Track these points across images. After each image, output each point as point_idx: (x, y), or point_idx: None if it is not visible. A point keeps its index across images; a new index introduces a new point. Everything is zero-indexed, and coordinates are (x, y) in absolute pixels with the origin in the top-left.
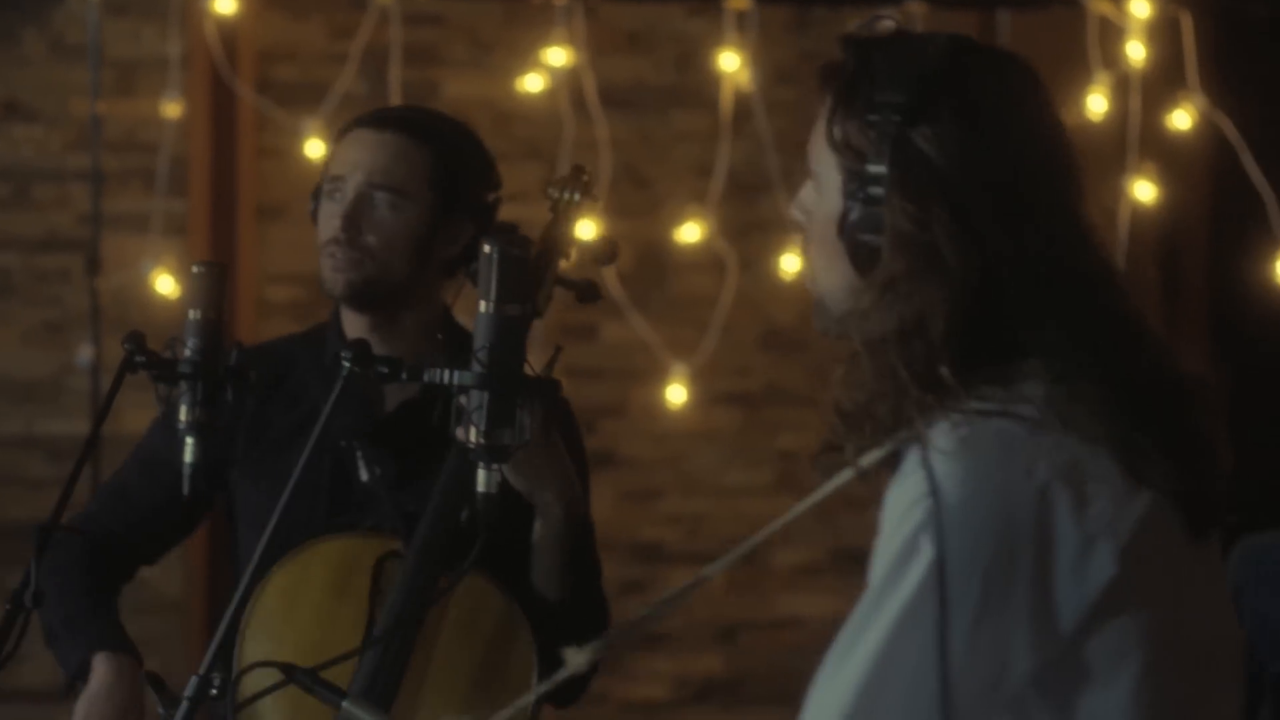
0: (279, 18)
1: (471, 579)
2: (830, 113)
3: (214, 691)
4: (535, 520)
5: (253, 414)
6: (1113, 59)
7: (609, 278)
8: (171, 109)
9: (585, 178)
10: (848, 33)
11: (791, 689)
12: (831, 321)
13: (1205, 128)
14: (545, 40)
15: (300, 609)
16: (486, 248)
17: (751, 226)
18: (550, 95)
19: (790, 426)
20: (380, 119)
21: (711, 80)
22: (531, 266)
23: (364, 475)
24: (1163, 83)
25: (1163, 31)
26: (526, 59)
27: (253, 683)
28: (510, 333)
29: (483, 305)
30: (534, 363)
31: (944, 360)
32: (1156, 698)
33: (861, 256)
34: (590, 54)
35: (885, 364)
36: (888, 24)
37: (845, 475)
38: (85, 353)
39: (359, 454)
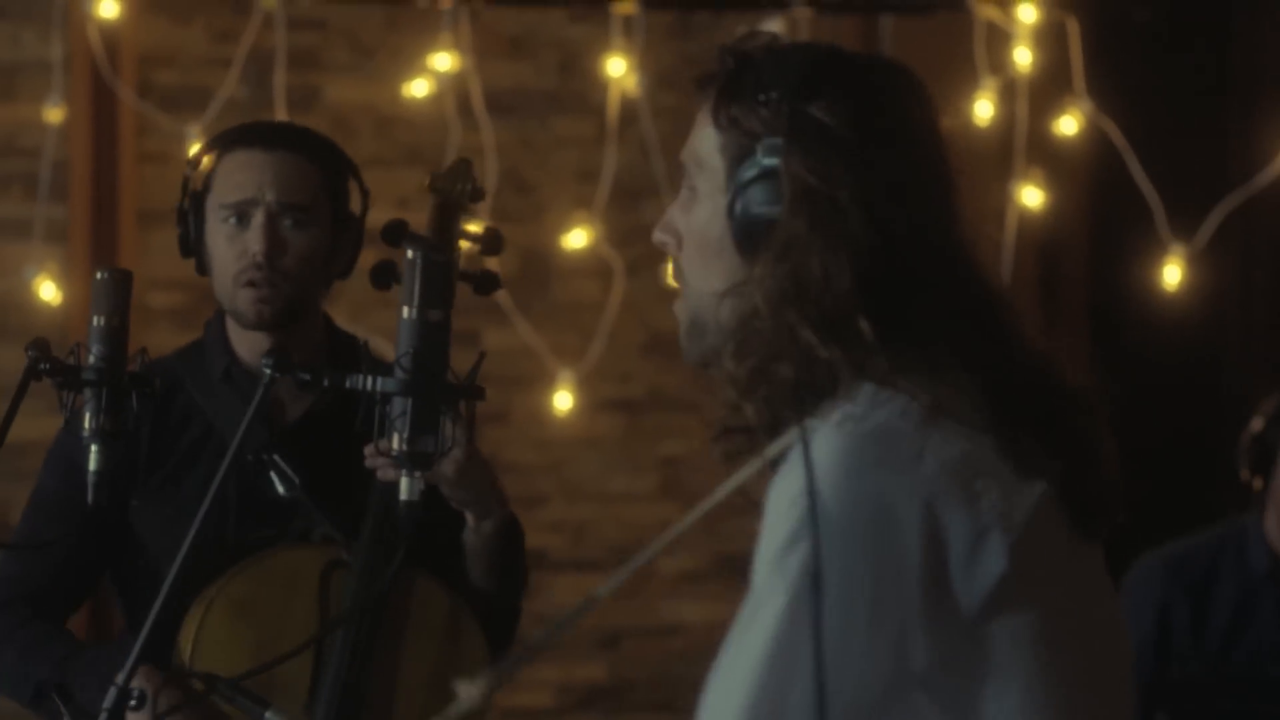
0: (161, 21)
1: (421, 583)
2: (715, 104)
3: (133, 703)
4: (466, 526)
5: (147, 441)
6: (999, 64)
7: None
8: (53, 114)
9: (471, 170)
10: (724, 44)
11: (675, 696)
12: (705, 334)
13: (1091, 132)
14: (428, 45)
15: (249, 624)
16: (410, 253)
17: (635, 232)
18: (435, 100)
19: (674, 433)
20: (266, 138)
21: (594, 85)
22: (454, 271)
23: (280, 487)
24: (1049, 88)
25: (1049, 37)
26: (409, 64)
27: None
28: (433, 338)
29: (405, 311)
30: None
31: (859, 312)
32: (1051, 698)
33: (753, 235)
34: (475, 59)
35: (784, 325)
36: (764, 37)
37: (751, 467)
38: None
39: (270, 467)
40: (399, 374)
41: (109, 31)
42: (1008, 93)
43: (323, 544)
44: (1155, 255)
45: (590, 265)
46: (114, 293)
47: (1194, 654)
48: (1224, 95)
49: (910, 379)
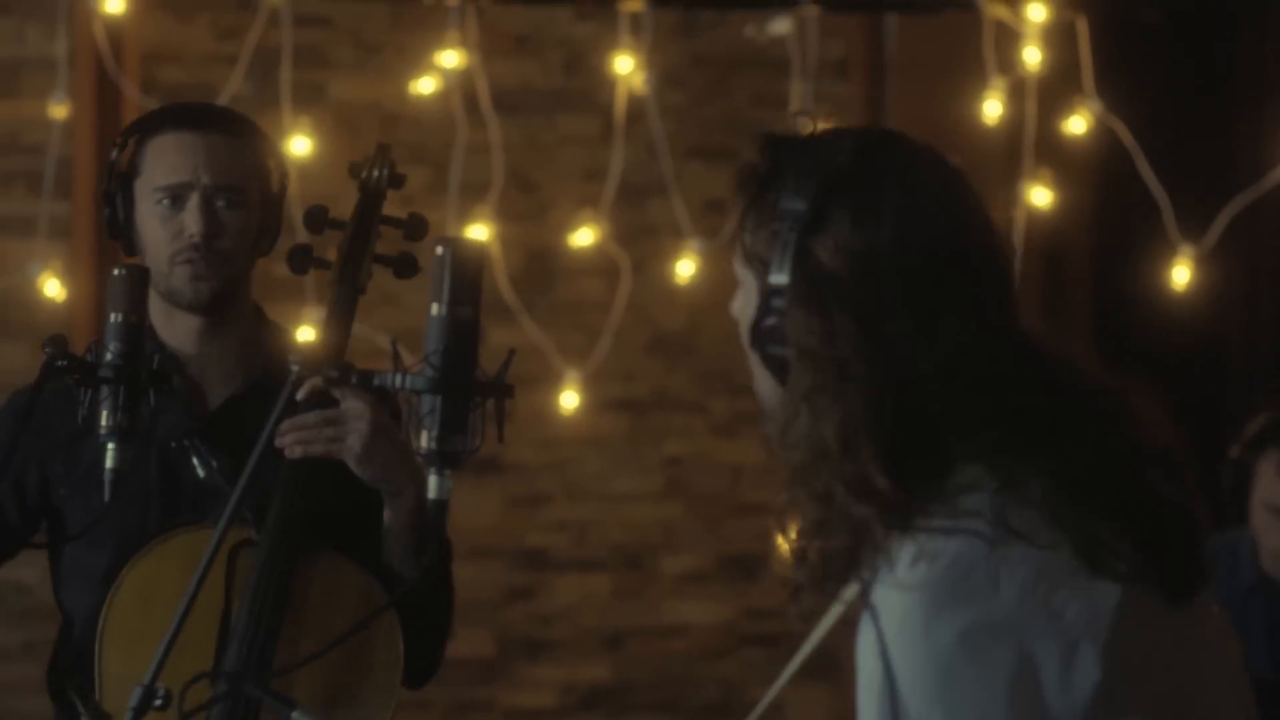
0: (165, 18)
1: (329, 558)
2: (741, 220)
3: (158, 702)
4: (384, 507)
5: (70, 429)
6: (1008, 63)
7: (500, 283)
8: (58, 110)
9: (389, 156)
10: (765, 131)
11: (678, 696)
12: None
13: (1100, 132)
14: (433, 43)
15: (157, 605)
16: (439, 249)
17: (640, 231)
18: (441, 98)
19: (677, 433)
20: (195, 120)
21: (599, 83)
22: (482, 268)
23: (200, 472)
24: (1058, 87)
25: (1058, 36)
26: (415, 61)
27: (114, 690)
28: (463, 336)
29: (434, 308)
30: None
31: (878, 472)
32: None
33: (774, 368)
34: (480, 56)
35: (823, 487)
36: (804, 121)
37: (835, 613)
38: None
39: (191, 452)
40: (428, 372)
41: (113, 28)
42: (1016, 92)
43: (235, 524)
44: (1164, 255)
45: (596, 264)
46: (131, 289)
47: None
48: (1233, 95)
49: (972, 502)
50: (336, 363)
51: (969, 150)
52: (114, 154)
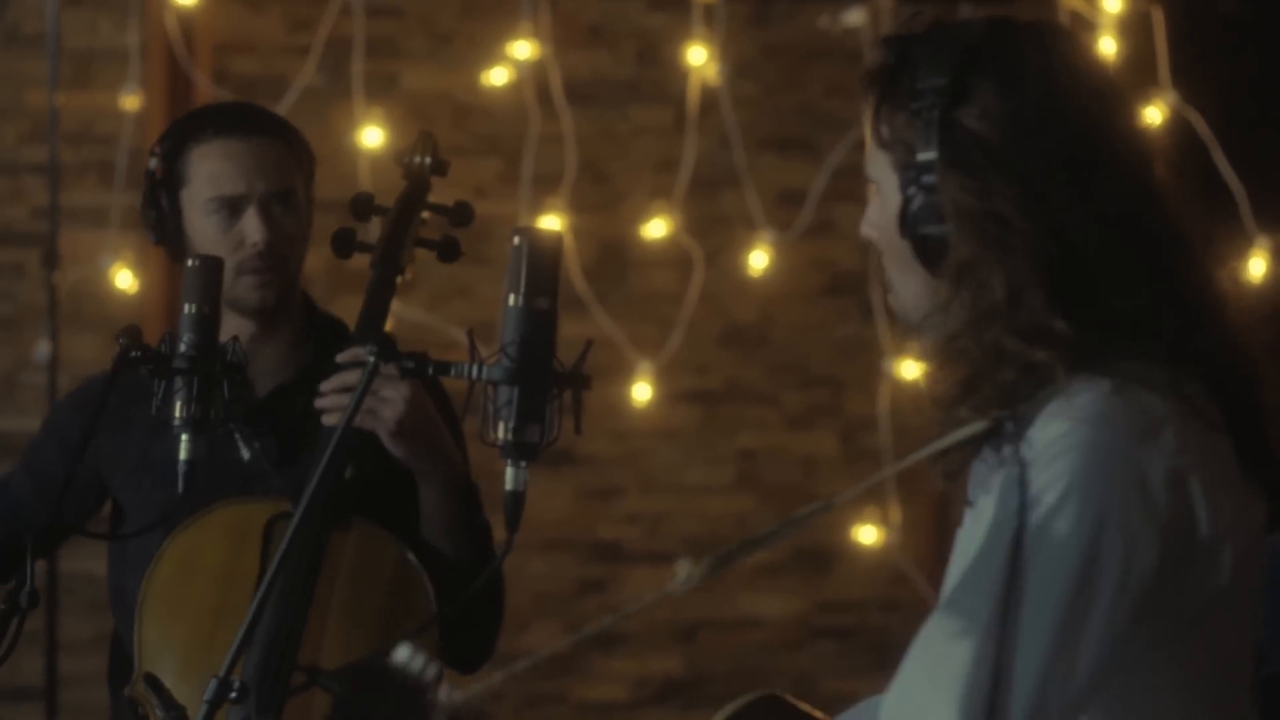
0: (237, 9)
1: (367, 529)
2: (875, 112)
3: (233, 695)
4: (419, 487)
5: (140, 419)
6: None
7: (572, 274)
8: (129, 101)
9: (432, 142)
10: (885, 34)
11: (752, 689)
12: (912, 334)
13: (1176, 123)
14: (505, 33)
15: (196, 576)
16: (516, 239)
17: (714, 222)
18: (514, 89)
19: (750, 425)
20: (239, 125)
21: (672, 74)
22: (559, 259)
23: (245, 453)
24: (1133, 78)
25: (1134, 27)
26: (486, 51)
27: (151, 655)
28: (540, 327)
29: (511, 299)
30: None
31: (1055, 317)
32: (1217, 692)
33: (929, 251)
34: (553, 47)
35: (989, 340)
36: (924, 18)
37: (976, 425)
38: (42, 348)
39: (237, 434)
40: (505, 363)
41: (185, 19)
42: None
43: (269, 499)
44: (1240, 247)
45: (669, 255)
46: (205, 280)
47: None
48: None
49: (1134, 366)
50: (381, 343)
51: None
52: (152, 163)
